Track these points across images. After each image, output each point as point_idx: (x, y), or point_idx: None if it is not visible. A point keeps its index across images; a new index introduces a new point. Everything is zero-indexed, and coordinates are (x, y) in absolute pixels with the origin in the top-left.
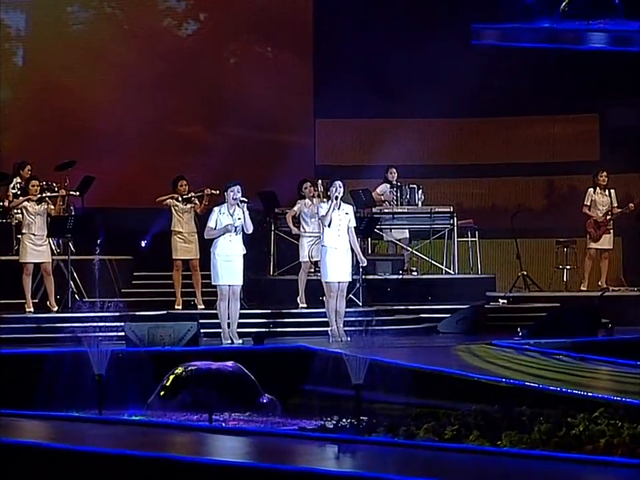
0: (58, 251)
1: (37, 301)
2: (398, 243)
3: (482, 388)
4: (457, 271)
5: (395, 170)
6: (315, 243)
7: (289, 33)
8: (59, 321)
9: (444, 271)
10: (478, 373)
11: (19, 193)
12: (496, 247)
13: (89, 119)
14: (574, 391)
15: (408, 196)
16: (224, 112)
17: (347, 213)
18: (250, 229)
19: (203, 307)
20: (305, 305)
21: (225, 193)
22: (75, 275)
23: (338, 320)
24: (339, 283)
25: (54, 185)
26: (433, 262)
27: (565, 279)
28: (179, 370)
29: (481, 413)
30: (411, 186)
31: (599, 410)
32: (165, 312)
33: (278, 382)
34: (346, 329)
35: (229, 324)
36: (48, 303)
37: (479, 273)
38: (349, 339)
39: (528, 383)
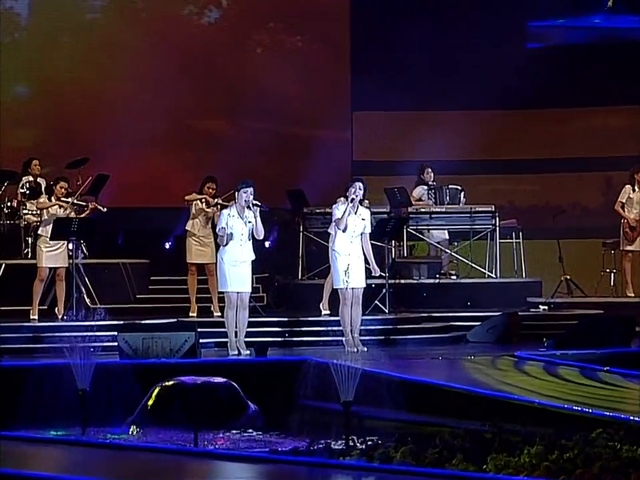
0: (70, 253)
1: (45, 307)
2: (436, 245)
3: (484, 404)
4: (499, 275)
5: (430, 169)
6: None
7: (322, 21)
8: (54, 330)
9: (486, 275)
10: (483, 387)
11: (27, 192)
12: (547, 249)
13: (103, 113)
14: (581, 409)
15: (448, 198)
16: (249, 105)
17: (363, 219)
18: (261, 234)
19: (219, 314)
20: (328, 312)
21: (237, 194)
22: (86, 279)
23: (353, 329)
24: (352, 289)
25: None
26: (473, 265)
27: (611, 284)
28: (163, 385)
29: (469, 433)
30: (451, 187)
31: (596, 431)
32: (176, 319)
33: (279, 397)
34: (363, 338)
35: (236, 333)
36: (56, 309)
37: (524, 276)
38: (365, 349)
39: (529, 399)
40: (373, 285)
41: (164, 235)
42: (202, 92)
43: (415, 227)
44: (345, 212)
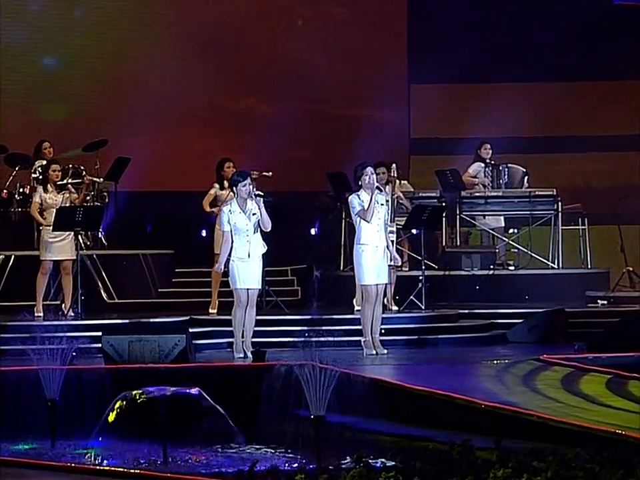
0: (88, 243)
1: (58, 302)
2: (491, 232)
3: (478, 414)
4: (561, 266)
5: (489, 146)
6: None
7: None
8: (44, 330)
9: (550, 266)
10: (481, 396)
11: (40, 178)
12: (616, 236)
13: (124, 91)
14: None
15: (506, 177)
16: (287, 83)
17: (382, 204)
18: (268, 226)
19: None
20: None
21: (235, 188)
22: (103, 273)
23: (374, 329)
24: (377, 285)
25: (81, 168)
26: (533, 254)
27: None
28: (127, 396)
29: (434, 453)
30: (511, 166)
31: (574, 450)
32: (188, 317)
33: (273, 406)
34: (391, 338)
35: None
36: (62, 305)
37: (589, 267)
38: (384, 351)
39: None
40: (420, 277)
41: (192, 222)
42: (235, 68)
43: (468, 213)
44: (371, 202)
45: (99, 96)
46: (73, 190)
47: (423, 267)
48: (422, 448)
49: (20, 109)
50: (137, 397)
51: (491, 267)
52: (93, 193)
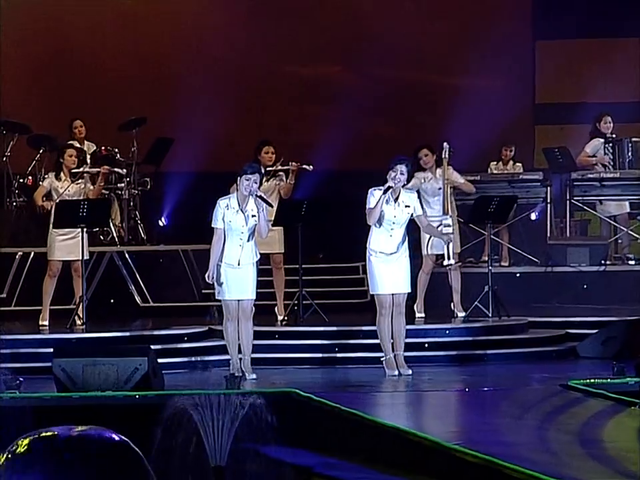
0: (122, 237)
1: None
2: (609, 220)
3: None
4: None
5: (609, 118)
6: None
7: None
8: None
9: None
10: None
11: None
12: None
13: (169, 56)
14: None
15: (630, 155)
16: (373, 45)
17: (407, 205)
18: (264, 234)
19: (283, 317)
20: (423, 315)
21: (238, 180)
22: (136, 273)
23: (396, 345)
24: (392, 295)
25: (115, 151)
26: None
27: None
28: (26, 438)
29: None
30: (635, 140)
31: None
32: (207, 328)
33: (239, 443)
34: (437, 354)
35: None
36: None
37: None
38: (409, 371)
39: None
40: (518, 274)
41: None
42: (311, 29)
43: (580, 198)
44: (378, 201)
45: (139, 65)
46: (88, 180)
47: (490, 268)
48: None
49: (47, 85)
50: (38, 439)
51: (602, 261)
52: (128, 179)
